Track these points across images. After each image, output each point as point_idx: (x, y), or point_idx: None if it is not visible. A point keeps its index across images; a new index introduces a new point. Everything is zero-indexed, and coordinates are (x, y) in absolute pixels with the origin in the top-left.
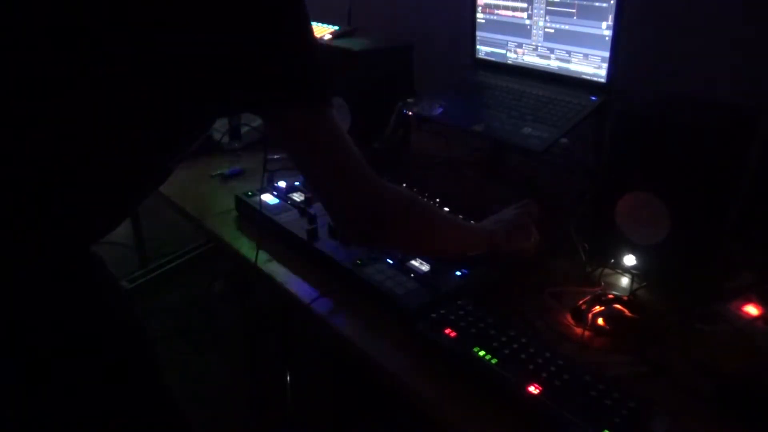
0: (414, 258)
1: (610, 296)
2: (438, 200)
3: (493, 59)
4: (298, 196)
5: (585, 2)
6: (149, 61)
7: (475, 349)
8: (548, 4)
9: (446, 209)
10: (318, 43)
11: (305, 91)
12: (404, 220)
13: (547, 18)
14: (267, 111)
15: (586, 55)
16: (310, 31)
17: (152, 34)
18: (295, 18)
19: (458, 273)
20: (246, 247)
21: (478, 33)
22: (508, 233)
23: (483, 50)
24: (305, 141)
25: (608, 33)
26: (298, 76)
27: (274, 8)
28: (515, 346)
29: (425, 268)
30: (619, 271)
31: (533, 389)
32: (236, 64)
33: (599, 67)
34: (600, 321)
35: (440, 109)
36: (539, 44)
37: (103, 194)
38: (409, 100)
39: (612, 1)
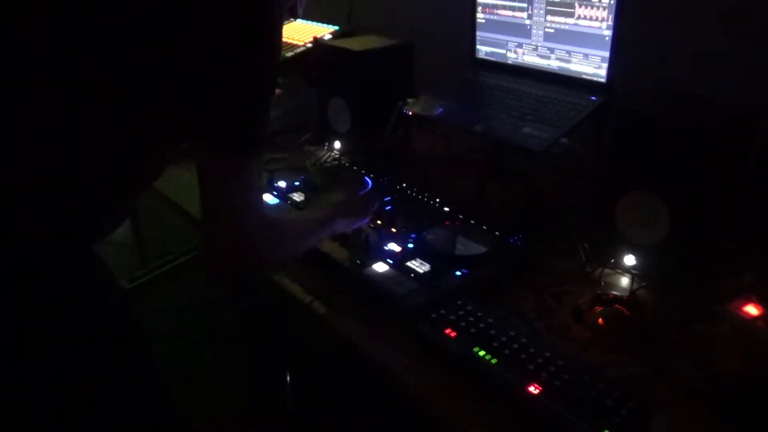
0: (414, 258)
1: (610, 296)
2: (438, 200)
3: (493, 59)
4: (297, 196)
5: (585, 2)
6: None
7: (475, 349)
8: (548, 4)
9: (446, 209)
10: (269, 104)
11: (246, 146)
12: (266, 261)
13: (547, 18)
14: (206, 150)
15: (586, 55)
16: (271, 96)
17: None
18: (267, 88)
19: (458, 273)
20: None
21: (478, 33)
22: (349, 221)
23: (483, 50)
24: (221, 177)
25: (608, 33)
26: (247, 135)
27: (255, 81)
28: (515, 346)
29: (425, 268)
30: (619, 271)
31: (533, 389)
32: (205, 114)
33: (599, 67)
34: (600, 321)
35: (440, 109)
36: (539, 44)
37: (93, 193)
38: (409, 100)
39: (612, 1)
